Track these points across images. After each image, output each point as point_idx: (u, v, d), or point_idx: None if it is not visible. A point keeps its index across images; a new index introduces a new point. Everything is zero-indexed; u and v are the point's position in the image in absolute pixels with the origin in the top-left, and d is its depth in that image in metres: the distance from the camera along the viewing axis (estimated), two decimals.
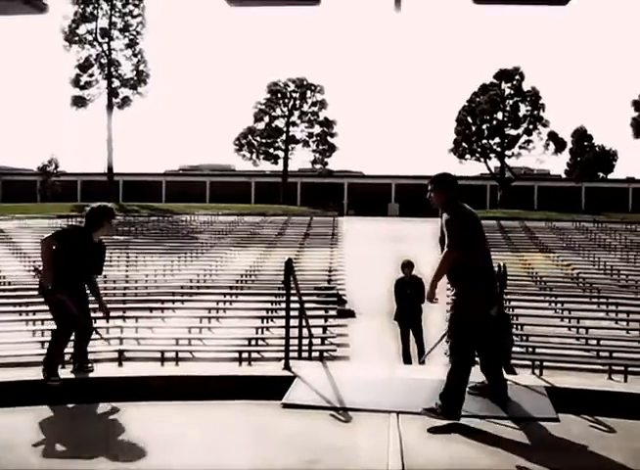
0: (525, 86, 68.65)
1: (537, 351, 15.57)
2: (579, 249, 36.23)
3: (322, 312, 19.68)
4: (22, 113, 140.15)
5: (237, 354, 14.78)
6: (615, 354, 15.39)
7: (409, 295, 13.21)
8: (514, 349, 15.42)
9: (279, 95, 72.17)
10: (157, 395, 7.02)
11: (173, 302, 22.52)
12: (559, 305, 22.16)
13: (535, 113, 68.22)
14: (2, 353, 14.69)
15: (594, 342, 16.99)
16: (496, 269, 7.04)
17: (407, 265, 13.58)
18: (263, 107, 72.21)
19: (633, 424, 6.38)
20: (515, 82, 68.82)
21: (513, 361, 13.36)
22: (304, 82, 72.11)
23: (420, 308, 13.40)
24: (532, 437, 5.86)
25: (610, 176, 74.49)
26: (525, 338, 16.85)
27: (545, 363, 14.21)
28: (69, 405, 6.27)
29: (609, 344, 16.52)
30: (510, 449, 5.60)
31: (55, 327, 7.84)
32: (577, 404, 6.79)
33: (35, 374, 7.28)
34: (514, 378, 7.77)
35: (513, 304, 21.19)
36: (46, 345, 15.87)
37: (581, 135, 74.36)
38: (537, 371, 13.25)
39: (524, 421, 6.27)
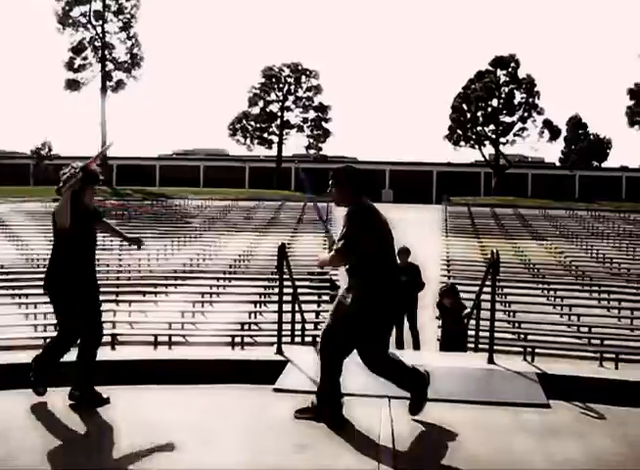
0: (521, 73, 68.61)
1: (529, 337, 15.64)
2: (573, 237, 36.30)
3: (315, 297, 19.72)
4: (15, 96, 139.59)
5: (230, 339, 14.82)
6: (606, 342, 15.48)
7: (404, 282, 12.98)
8: (505, 335, 15.52)
9: (274, 80, 71.95)
10: (149, 378, 7.03)
11: (166, 286, 22.53)
12: (551, 293, 22.23)
13: (530, 100, 68.16)
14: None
15: (586, 329, 17.07)
16: (489, 256, 7.03)
17: (403, 252, 13.36)
18: (258, 91, 71.98)
19: (623, 411, 6.42)
20: (510, 69, 68.70)
21: (505, 347, 13.46)
22: (299, 67, 71.89)
23: (415, 296, 13.37)
24: (523, 423, 5.89)
25: (604, 165, 74.66)
26: (517, 325, 16.92)
27: (537, 350, 14.28)
28: (62, 389, 6.26)
29: (600, 331, 16.60)
30: (501, 435, 5.62)
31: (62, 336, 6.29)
32: (568, 391, 6.83)
33: (28, 357, 7.28)
34: (506, 364, 7.81)
35: (506, 291, 21.26)
36: (40, 328, 15.98)
37: (576, 123, 74.43)
38: (529, 358, 13.30)
39: (515, 407, 6.29)
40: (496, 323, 10.68)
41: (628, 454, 5.29)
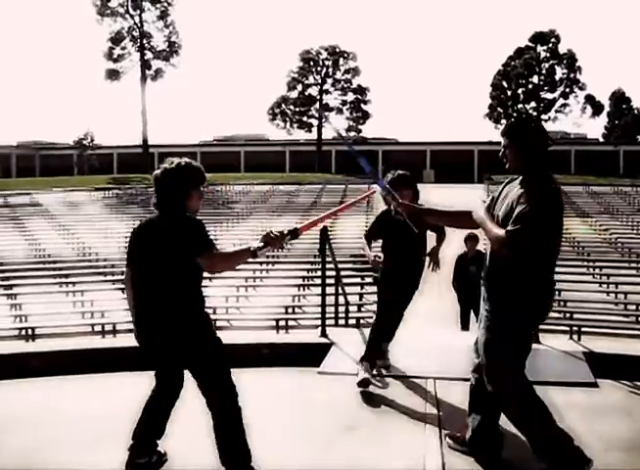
0: (562, 49, 67.63)
1: (575, 316, 15.47)
2: (618, 213, 35.77)
3: (358, 280, 19.72)
4: (57, 88, 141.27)
5: (274, 323, 14.90)
6: None
7: (473, 273, 11.54)
8: (551, 314, 15.38)
9: (312, 63, 71.82)
10: None
11: None
12: (597, 271, 21.97)
13: (572, 76, 67.20)
14: (47, 324, 15.00)
15: (633, 307, 16.85)
16: None
17: (471, 239, 12.14)
18: (296, 75, 71.95)
19: None
20: (550, 45, 67.75)
21: (551, 327, 13.33)
22: (337, 50, 71.65)
23: None
24: (571, 402, 5.85)
25: None
26: (562, 303, 16.75)
27: (583, 329, 14.13)
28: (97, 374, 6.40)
29: None
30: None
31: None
32: (616, 370, 6.76)
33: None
34: (552, 343, 7.76)
35: None
36: (87, 315, 16.26)
37: (619, 98, 73.15)
38: (575, 337, 13.18)
39: (562, 386, 6.26)
40: None
41: None
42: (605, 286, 19.99)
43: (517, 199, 4.20)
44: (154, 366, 4.61)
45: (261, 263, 23.14)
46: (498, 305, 4.36)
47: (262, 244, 4.33)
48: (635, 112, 73.35)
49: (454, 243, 13.11)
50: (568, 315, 15.59)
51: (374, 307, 17.01)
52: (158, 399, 4.61)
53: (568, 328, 14.14)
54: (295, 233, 4.56)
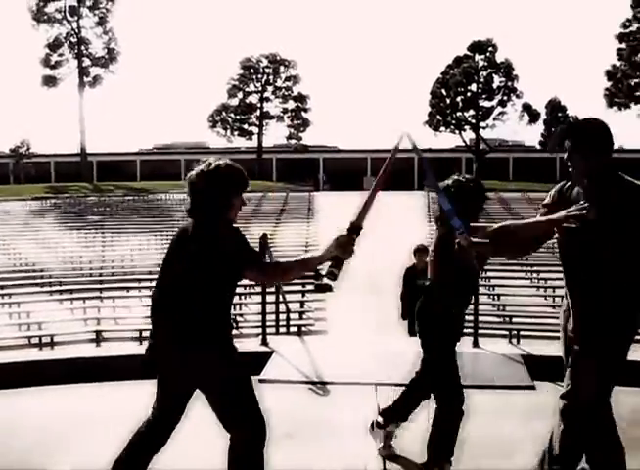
0: (499, 58, 68.64)
1: (514, 320, 15.69)
2: None
3: (299, 287, 19.69)
4: None
5: None
6: None
7: (421, 285, 10.51)
8: (490, 318, 15.57)
9: (252, 71, 71.63)
10: (136, 374, 6.99)
11: (150, 281, 22.42)
12: (534, 275, 22.32)
13: (509, 84, 68.21)
14: None
15: None
16: None
17: (419, 251, 11.31)
18: (237, 83, 71.64)
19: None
20: (488, 54, 68.71)
21: (490, 331, 13.48)
22: (277, 57, 71.61)
23: None
24: (509, 405, 5.91)
25: None
26: (501, 308, 16.98)
27: (522, 332, 14.32)
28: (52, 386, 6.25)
29: None
30: (487, 417, 5.64)
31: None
32: (554, 372, 6.84)
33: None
34: (491, 347, 7.83)
35: (489, 274, 21.32)
36: (24, 327, 15.92)
37: (555, 106, 74.65)
38: (514, 340, 13.35)
39: (500, 389, 6.31)
40: (481, 307, 10.72)
41: None
42: (542, 290, 20.31)
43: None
44: (161, 392, 4.00)
45: None
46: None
47: (334, 254, 3.73)
48: (570, 120, 74.98)
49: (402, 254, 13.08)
50: (506, 319, 15.80)
51: (315, 315, 17.01)
52: (148, 436, 3.99)
53: (507, 332, 14.32)
54: (357, 229, 3.82)
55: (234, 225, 3.88)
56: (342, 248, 3.69)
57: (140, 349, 10.80)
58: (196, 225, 3.84)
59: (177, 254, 3.87)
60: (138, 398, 6.30)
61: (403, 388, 5.04)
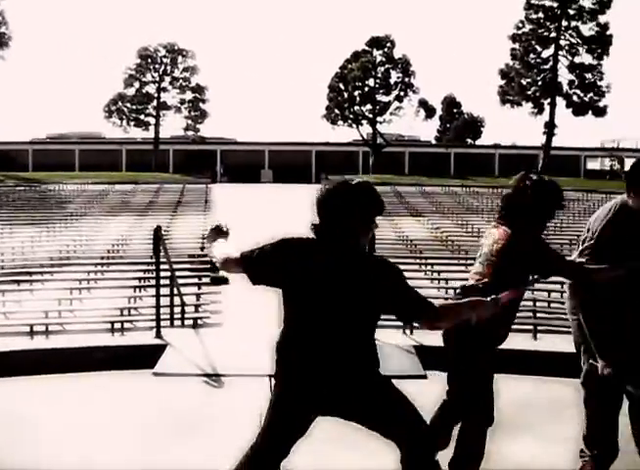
0: (396, 54, 69.68)
1: None
2: (448, 212, 37.26)
3: (195, 280, 19.52)
4: None
5: (109, 325, 14.50)
6: None
7: None
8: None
9: (149, 60, 70.47)
10: (26, 370, 6.82)
11: (42, 274, 21.82)
12: (428, 267, 22.76)
13: (406, 80, 69.34)
14: None
15: None
16: None
17: None
18: (133, 72, 70.33)
19: (496, 377, 6.64)
20: (386, 50, 69.67)
21: (385, 323, 13.68)
22: (175, 47, 70.68)
23: None
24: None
25: (477, 142, 77.12)
26: None
27: (415, 323, 14.59)
28: None
29: None
30: None
31: None
32: (445, 362, 7.02)
33: None
34: (384, 338, 7.95)
35: None
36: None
37: (450, 102, 76.53)
38: (408, 331, 13.59)
39: (393, 379, 6.43)
40: None
41: (497, 418, 5.50)
42: (436, 282, 20.74)
43: None
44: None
45: (96, 265, 22.51)
46: None
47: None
48: (465, 116, 77.00)
49: None
50: None
51: (210, 307, 16.90)
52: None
53: (400, 323, 14.55)
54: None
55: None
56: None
57: (31, 343, 10.52)
58: (331, 250, 3.38)
59: (319, 281, 3.36)
60: (30, 394, 6.17)
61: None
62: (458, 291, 4.48)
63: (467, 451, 4.41)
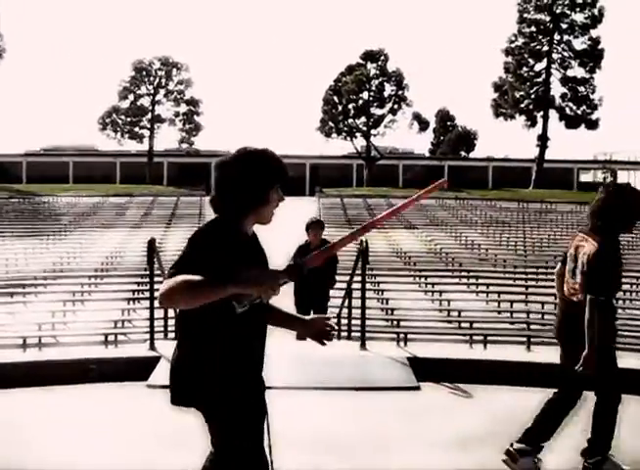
0: (390, 67, 69.97)
1: (402, 324, 15.96)
2: (442, 225, 37.32)
3: None
4: None
5: (103, 337, 14.47)
6: (475, 325, 15.97)
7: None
8: (379, 322, 15.83)
9: (144, 73, 70.59)
10: (19, 382, 6.81)
11: (36, 286, 21.77)
12: (422, 280, 22.77)
13: (400, 93, 69.58)
14: None
15: (455, 313, 17.57)
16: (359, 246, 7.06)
17: (314, 225, 10.21)
18: (128, 85, 70.42)
19: (489, 388, 6.68)
20: (380, 63, 69.95)
21: (378, 334, 13.71)
22: (170, 60, 70.83)
23: (327, 286, 10.36)
24: (395, 405, 6.04)
25: (471, 155, 77.38)
26: (389, 312, 17.25)
27: (410, 335, 14.59)
28: None
29: (469, 314, 17.12)
30: (374, 418, 5.75)
31: None
32: (438, 373, 7.04)
33: None
34: (378, 350, 7.97)
35: (378, 279, 21.65)
36: None
37: (444, 116, 76.89)
38: (402, 343, 13.59)
39: (387, 391, 6.45)
40: (369, 311, 10.90)
41: (490, 428, 5.52)
42: (430, 294, 20.74)
43: None
44: None
45: (89, 277, 22.48)
46: None
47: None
48: (459, 129, 77.31)
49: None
50: (395, 323, 16.06)
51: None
52: None
53: (395, 335, 14.55)
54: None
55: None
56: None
57: (24, 356, 10.49)
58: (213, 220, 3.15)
59: None
60: (22, 406, 6.17)
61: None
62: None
63: (603, 429, 4.68)
